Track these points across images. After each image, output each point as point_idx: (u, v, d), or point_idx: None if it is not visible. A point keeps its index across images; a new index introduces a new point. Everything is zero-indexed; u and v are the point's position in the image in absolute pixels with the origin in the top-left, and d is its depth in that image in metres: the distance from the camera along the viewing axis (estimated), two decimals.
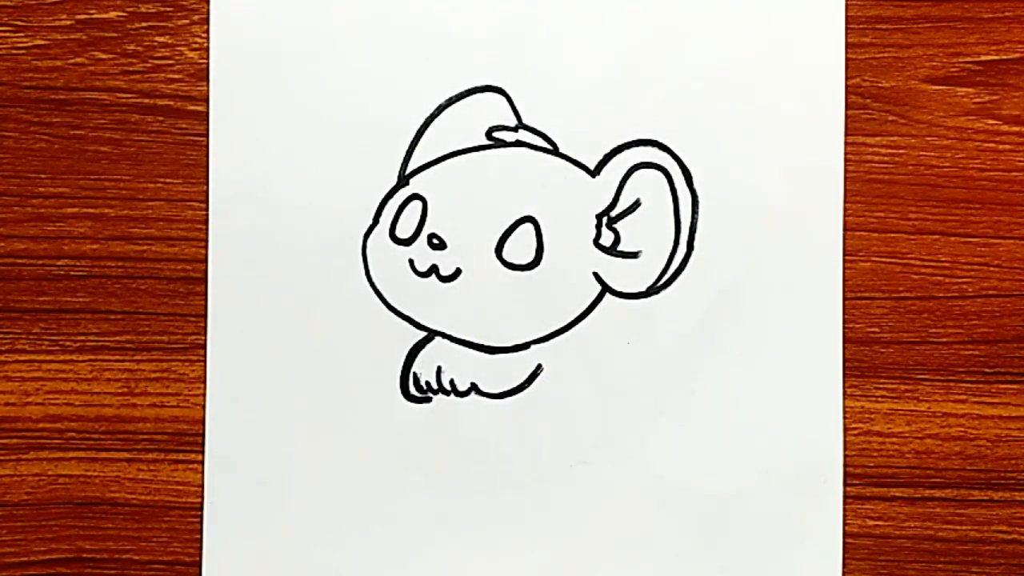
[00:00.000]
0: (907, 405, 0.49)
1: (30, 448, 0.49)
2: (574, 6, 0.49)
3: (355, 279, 0.49)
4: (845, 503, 0.49)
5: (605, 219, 0.49)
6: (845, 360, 0.49)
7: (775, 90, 0.49)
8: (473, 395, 0.49)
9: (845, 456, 0.49)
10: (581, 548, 0.49)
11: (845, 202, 0.49)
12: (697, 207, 0.49)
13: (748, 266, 0.49)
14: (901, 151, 0.49)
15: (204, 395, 0.49)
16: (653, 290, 0.49)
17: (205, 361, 0.49)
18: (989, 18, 0.49)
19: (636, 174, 0.49)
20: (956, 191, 0.49)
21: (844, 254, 0.49)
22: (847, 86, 0.49)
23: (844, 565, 0.49)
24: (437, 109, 0.49)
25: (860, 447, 0.49)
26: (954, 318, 0.49)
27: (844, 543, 0.49)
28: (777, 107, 0.49)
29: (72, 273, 0.49)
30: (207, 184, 0.49)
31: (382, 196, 0.49)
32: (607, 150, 0.49)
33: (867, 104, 0.49)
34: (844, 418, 0.49)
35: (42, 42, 0.49)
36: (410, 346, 0.49)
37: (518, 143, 0.49)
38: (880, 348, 0.49)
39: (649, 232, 0.49)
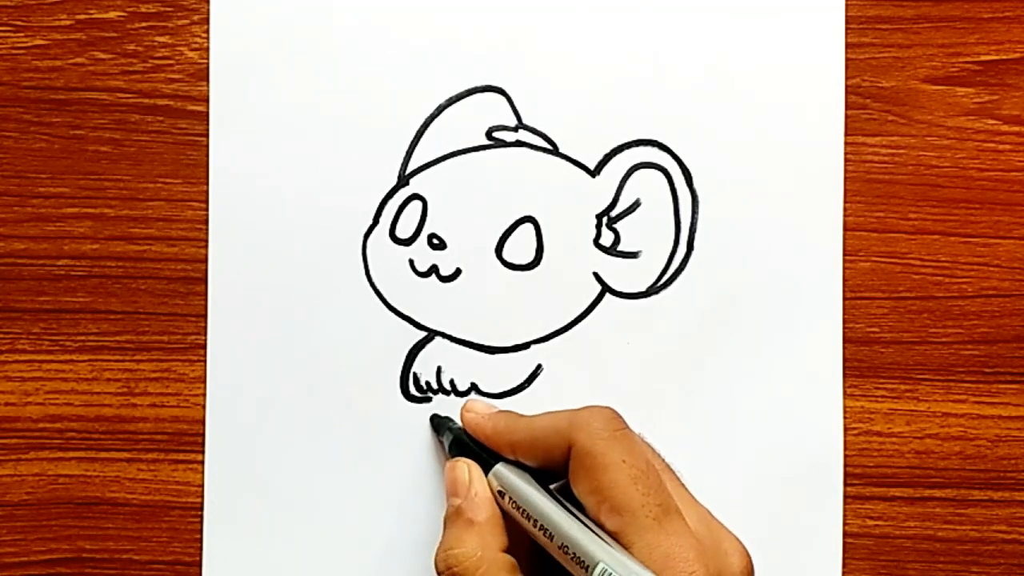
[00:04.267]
0: (907, 405, 0.49)
1: (30, 448, 0.49)
2: (574, 7, 0.49)
3: (355, 279, 0.49)
4: (845, 503, 0.49)
5: (605, 219, 0.49)
6: (845, 360, 0.49)
7: (775, 90, 0.49)
8: (473, 395, 0.49)
9: (845, 456, 0.49)
10: None
11: (845, 202, 0.49)
12: (697, 207, 0.49)
13: (748, 266, 0.49)
14: (901, 151, 0.49)
15: (204, 395, 0.49)
16: (653, 290, 0.49)
17: (205, 361, 0.49)
18: (989, 18, 0.49)
19: (636, 174, 0.49)
20: (956, 191, 0.49)
21: (844, 254, 0.49)
22: (847, 86, 0.49)
23: (844, 565, 0.49)
24: (437, 109, 0.49)
25: (860, 447, 0.49)
26: (954, 318, 0.49)
27: (844, 543, 0.49)
28: (777, 107, 0.49)
29: (72, 273, 0.49)
30: (207, 184, 0.49)
31: (382, 196, 0.49)
32: (607, 150, 0.49)
33: (867, 104, 0.49)
34: (844, 418, 0.49)
35: (42, 42, 0.49)
36: (410, 346, 0.49)
37: (518, 143, 0.49)
38: (880, 348, 0.49)
39: (649, 232, 0.49)
